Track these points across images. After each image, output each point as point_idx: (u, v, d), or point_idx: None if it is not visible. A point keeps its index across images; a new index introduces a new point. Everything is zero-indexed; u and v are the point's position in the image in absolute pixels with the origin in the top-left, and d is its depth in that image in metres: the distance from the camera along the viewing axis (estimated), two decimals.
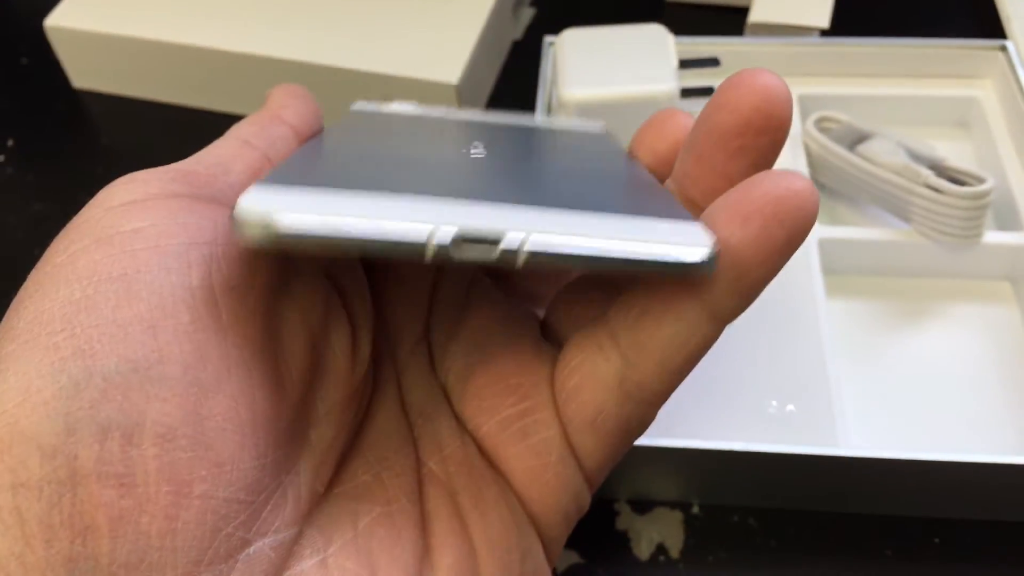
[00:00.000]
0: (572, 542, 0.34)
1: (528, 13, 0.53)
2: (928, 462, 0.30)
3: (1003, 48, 0.43)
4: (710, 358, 0.16)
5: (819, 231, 0.38)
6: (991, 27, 0.50)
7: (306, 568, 0.14)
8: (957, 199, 0.36)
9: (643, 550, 0.33)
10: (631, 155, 0.19)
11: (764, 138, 0.15)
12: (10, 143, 0.49)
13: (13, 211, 0.46)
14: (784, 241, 0.14)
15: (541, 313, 0.19)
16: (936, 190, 0.36)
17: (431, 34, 0.45)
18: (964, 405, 0.35)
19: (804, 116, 0.42)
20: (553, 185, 0.16)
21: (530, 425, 0.16)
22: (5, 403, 0.12)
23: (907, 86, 0.45)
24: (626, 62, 0.38)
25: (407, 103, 0.23)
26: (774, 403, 0.34)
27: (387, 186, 0.13)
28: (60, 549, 0.12)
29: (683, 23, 0.44)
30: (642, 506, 0.34)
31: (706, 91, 0.39)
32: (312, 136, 0.19)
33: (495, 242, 0.12)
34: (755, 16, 0.47)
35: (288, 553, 0.14)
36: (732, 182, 0.16)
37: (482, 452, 0.17)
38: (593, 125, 0.23)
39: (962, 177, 0.37)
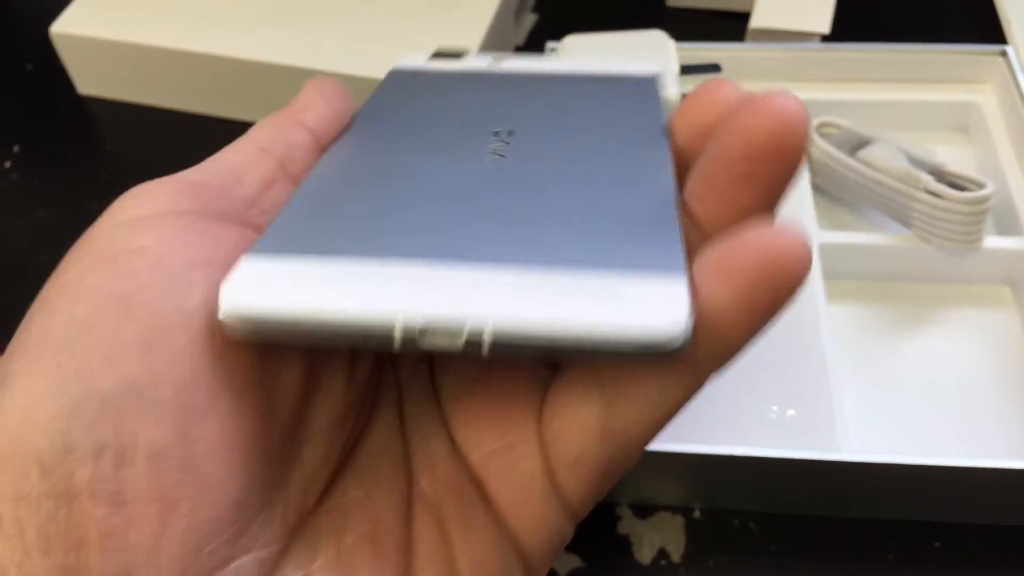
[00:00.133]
0: (574, 546, 0.34)
1: (530, 19, 0.53)
2: (929, 466, 0.30)
3: (1003, 53, 0.44)
4: None
5: (820, 236, 0.39)
6: (991, 32, 0.50)
7: None
8: (957, 204, 0.36)
9: (644, 554, 0.34)
10: (668, 128, 0.18)
11: (775, 167, 0.15)
12: (16, 149, 0.49)
13: (19, 217, 0.46)
14: (768, 308, 0.13)
15: None
16: (936, 195, 0.36)
17: (434, 40, 0.45)
18: (964, 409, 0.35)
19: None
20: (549, 216, 0.16)
21: (515, 460, 0.16)
22: (11, 420, 0.13)
23: (907, 91, 0.45)
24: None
25: (452, 54, 0.23)
26: (775, 408, 0.34)
27: (370, 250, 0.15)
28: (56, 560, 0.12)
29: (684, 29, 0.44)
30: (643, 510, 0.35)
31: None
32: (334, 139, 0.19)
33: (457, 335, 0.13)
34: (756, 22, 0.47)
35: (273, 568, 0.14)
36: (739, 209, 0.15)
37: (471, 477, 0.17)
38: (646, 69, 0.23)
39: (962, 182, 0.37)
